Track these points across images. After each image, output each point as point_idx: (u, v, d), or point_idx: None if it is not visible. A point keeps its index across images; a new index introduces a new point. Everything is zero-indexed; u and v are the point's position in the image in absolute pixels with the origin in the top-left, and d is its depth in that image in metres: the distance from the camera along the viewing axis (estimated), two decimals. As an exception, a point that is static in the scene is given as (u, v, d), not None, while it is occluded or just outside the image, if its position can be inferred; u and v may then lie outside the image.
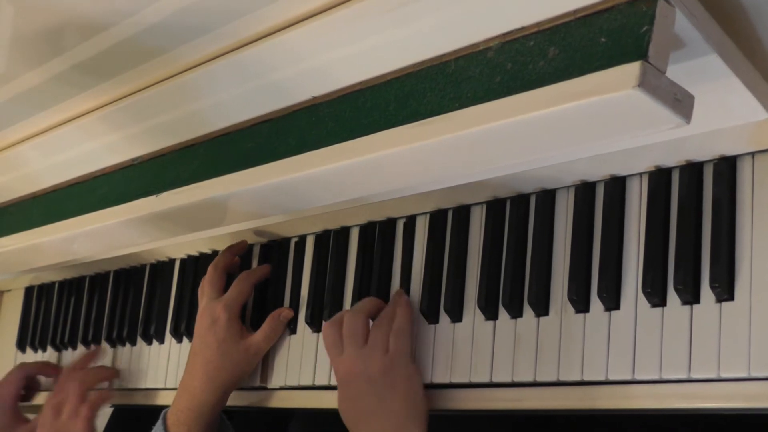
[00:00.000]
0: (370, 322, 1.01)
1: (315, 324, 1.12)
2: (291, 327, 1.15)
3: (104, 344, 1.46)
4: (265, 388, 1.15)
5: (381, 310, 1.02)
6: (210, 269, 1.18)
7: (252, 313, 1.20)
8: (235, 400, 1.16)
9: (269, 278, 1.20)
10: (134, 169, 1.10)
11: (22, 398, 1.49)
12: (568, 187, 0.93)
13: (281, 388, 1.14)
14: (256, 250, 1.24)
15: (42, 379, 1.53)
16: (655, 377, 0.81)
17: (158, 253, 1.38)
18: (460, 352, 0.95)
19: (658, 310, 0.83)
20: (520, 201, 0.96)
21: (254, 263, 1.23)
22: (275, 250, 1.21)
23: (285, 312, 1.14)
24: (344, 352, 0.99)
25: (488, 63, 0.74)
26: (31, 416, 1.45)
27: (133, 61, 0.96)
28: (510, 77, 0.71)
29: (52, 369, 1.50)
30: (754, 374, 0.76)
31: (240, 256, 1.24)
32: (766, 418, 0.80)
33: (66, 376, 1.36)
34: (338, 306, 1.10)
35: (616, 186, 0.89)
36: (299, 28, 0.82)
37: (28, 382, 1.50)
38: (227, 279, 1.19)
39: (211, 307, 1.14)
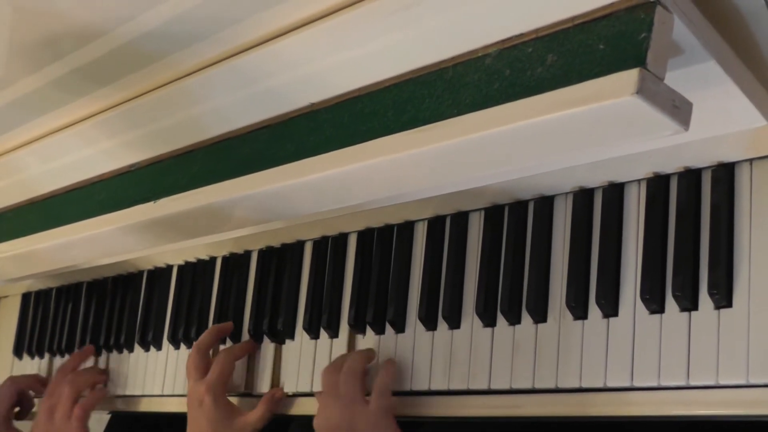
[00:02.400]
0: None
1: (313, 331, 1.11)
2: (289, 334, 1.15)
3: (92, 346, 1.46)
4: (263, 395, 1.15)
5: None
6: (193, 351, 1.17)
7: (250, 321, 1.20)
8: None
9: (267, 285, 1.20)
10: (132, 175, 1.10)
11: (17, 416, 1.49)
12: (567, 193, 0.93)
13: (279, 395, 1.14)
14: (254, 257, 1.23)
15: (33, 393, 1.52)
16: (654, 384, 0.81)
17: (156, 260, 1.38)
18: (458, 358, 0.95)
19: (657, 316, 0.82)
20: (519, 207, 0.95)
21: (252, 269, 1.23)
22: (273, 257, 1.21)
23: (278, 393, 1.13)
24: (324, 405, 1.00)
25: (486, 69, 0.74)
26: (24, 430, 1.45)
27: (131, 66, 0.96)
28: (508, 84, 0.71)
29: (42, 385, 1.48)
30: (752, 381, 0.75)
31: (238, 265, 1.24)
32: (765, 424, 0.80)
33: (58, 379, 1.36)
34: (336, 312, 1.10)
35: (615, 192, 0.89)
36: (297, 35, 0.82)
37: (20, 397, 1.48)
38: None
39: (196, 390, 1.13)
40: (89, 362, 1.45)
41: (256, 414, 1.11)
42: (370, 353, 1.04)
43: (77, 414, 1.30)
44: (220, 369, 1.13)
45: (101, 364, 1.44)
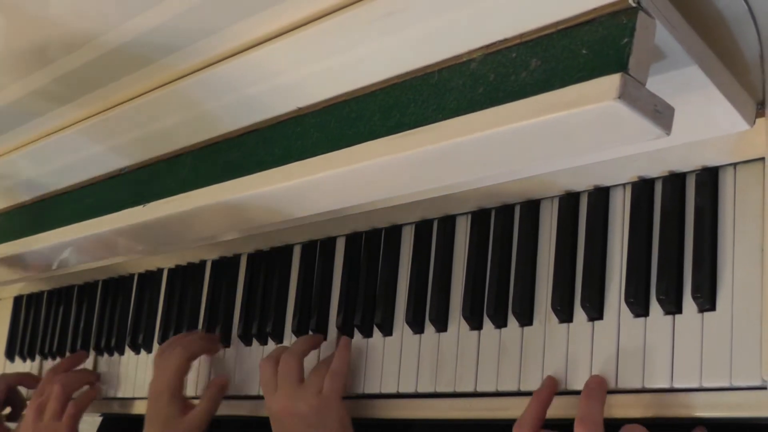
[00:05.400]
0: None
1: (302, 333, 1.11)
2: (278, 337, 1.15)
3: (85, 351, 1.47)
4: (255, 397, 1.15)
5: (317, 347, 1.07)
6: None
7: (239, 325, 1.20)
8: (226, 409, 1.17)
9: (256, 288, 1.20)
10: (121, 178, 1.10)
11: (9, 417, 1.48)
12: (553, 197, 0.93)
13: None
14: (243, 260, 1.24)
15: (25, 392, 1.52)
16: (638, 387, 0.81)
17: (147, 263, 1.38)
18: (445, 361, 0.95)
19: (641, 320, 0.83)
20: (505, 211, 0.96)
21: (241, 273, 1.23)
22: (262, 260, 1.21)
23: (221, 380, 1.17)
24: (278, 390, 1.02)
25: (471, 74, 0.74)
26: (11, 425, 1.45)
27: (119, 72, 0.96)
28: (492, 88, 0.71)
29: (33, 380, 1.49)
30: (735, 384, 0.76)
31: (227, 268, 1.25)
32: (748, 427, 0.80)
33: (48, 378, 1.36)
34: (324, 316, 1.10)
35: (600, 196, 0.89)
36: (282, 41, 0.82)
37: (10, 395, 1.48)
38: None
39: None
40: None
41: (201, 408, 1.14)
42: (316, 339, 1.07)
43: (70, 412, 1.29)
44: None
45: (91, 366, 1.44)
